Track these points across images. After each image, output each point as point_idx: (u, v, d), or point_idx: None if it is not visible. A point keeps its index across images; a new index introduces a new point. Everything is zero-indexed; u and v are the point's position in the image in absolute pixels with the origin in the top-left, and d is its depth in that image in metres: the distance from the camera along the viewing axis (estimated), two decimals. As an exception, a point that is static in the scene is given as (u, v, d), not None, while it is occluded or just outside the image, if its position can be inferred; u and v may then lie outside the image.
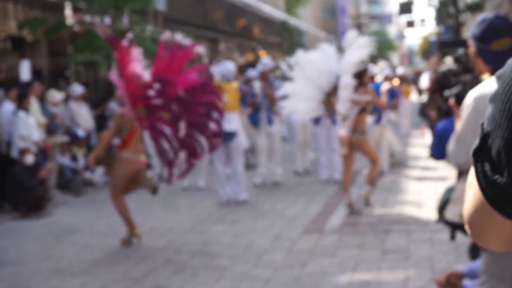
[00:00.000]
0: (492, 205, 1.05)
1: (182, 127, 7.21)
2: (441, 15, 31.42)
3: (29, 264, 7.07)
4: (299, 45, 41.27)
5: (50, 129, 11.51)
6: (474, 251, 4.70)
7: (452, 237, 4.24)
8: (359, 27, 66.04)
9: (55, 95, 12.16)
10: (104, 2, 14.30)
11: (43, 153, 11.10)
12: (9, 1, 15.94)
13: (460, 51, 7.21)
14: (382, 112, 11.20)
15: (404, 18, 47.87)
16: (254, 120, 11.45)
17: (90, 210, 10.20)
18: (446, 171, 11.33)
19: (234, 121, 9.71)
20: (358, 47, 8.55)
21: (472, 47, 3.28)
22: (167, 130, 7.25)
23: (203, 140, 7.40)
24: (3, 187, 10.41)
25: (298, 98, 8.95)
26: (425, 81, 16.14)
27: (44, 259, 7.22)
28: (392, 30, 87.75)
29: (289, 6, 51.68)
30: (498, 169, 1.01)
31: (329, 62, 8.93)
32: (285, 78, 13.27)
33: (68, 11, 16.45)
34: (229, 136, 9.66)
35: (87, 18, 13.50)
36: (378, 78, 12.57)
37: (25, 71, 12.16)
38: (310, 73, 8.88)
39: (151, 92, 7.25)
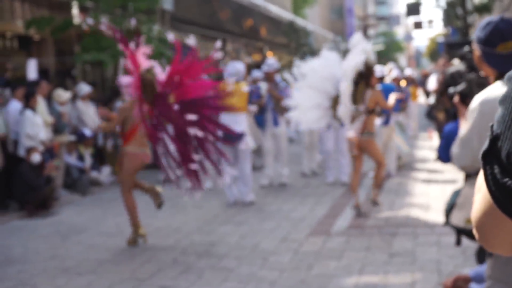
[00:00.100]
0: (501, 208, 1.03)
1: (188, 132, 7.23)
2: (449, 17, 31.34)
3: (35, 263, 7.07)
4: (306, 46, 41.34)
5: (57, 128, 11.52)
6: (481, 255, 4.68)
7: (458, 242, 4.21)
8: (366, 28, 65.98)
9: (62, 94, 12.18)
10: (111, 1, 14.32)
11: (50, 153, 11.11)
12: (17, 0, 15.98)
13: (466, 48, 7.17)
14: (390, 114, 11.18)
15: (412, 19, 47.78)
16: (259, 121, 11.43)
17: (96, 209, 10.21)
18: (453, 173, 11.29)
19: (242, 123, 9.71)
20: (359, 51, 8.52)
21: (477, 51, 3.26)
22: (167, 139, 7.28)
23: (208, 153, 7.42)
24: (10, 186, 10.44)
25: (304, 108, 8.90)
26: (432, 83, 16.10)
27: (50, 258, 7.23)
28: (399, 31, 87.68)
29: (296, 7, 51.69)
30: (508, 172, 1.00)
31: (332, 67, 8.91)
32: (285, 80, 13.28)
33: (75, 10, 16.48)
34: (237, 137, 9.65)
35: (90, 21, 13.51)
36: (387, 80, 12.54)
37: (32, 70, 12.18)
38: (314, 81, 8.85)
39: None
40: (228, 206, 9.73)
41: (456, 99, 3.79)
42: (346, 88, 8.36)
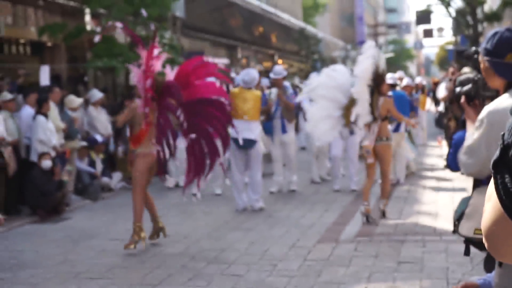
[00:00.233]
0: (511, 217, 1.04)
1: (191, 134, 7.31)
2: (459, 25, 31.31)
3: (46, 267, 7.14)
4: (317, 53, 41.36)
5: (69, 134, 11.62)
6: (490, 263, 4.70)
7: (467, 252, 4.21)
8: (377, 36, 65.94)
9: (74, 100, 12.27)
10: (123, 8, 14.42)
11: (62, 158, 11.20)
12: (30, 7, 16.12)
13: (472, 49, 7.17)
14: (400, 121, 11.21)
15: (422, 27, 47.77)
16: (268, 128, 11.45)
17: (107, 215, 10.28)
18: (462, 182, 11.30)
19: (254, 130, 9.79)
20: (369, 56, 8.56)
21: (483, 63, 3.29)
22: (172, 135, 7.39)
23: (208, 150, 7.51)
24: (22, 191, 10.53)
25: (316, 119, 8.92)
26: (442, 91, 16.11)
27: (62, 263, 7.30)
28: (409, 39, 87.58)
29: (306, 15, 51.71)
30: None
31: (342, 77, 8.92)
32: (298, 87, 13.24)
33: (87, 17, 16.61)
34: (249, 144, 9.73)
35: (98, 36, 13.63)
36: (398, 87, 12.58)
37: (44, 76, 12.29)
38: (325, 92, 8.86)
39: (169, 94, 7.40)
40: (237, 212, 9.79)
41: (462, 100, 3.81)
42: (362, 93, 8.41)
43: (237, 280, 6.39)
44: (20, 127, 10.67)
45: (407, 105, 12.47)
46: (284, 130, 11.34)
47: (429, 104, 20.61)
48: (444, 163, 13.55)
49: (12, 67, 14.59)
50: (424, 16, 39.20)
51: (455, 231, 4.33)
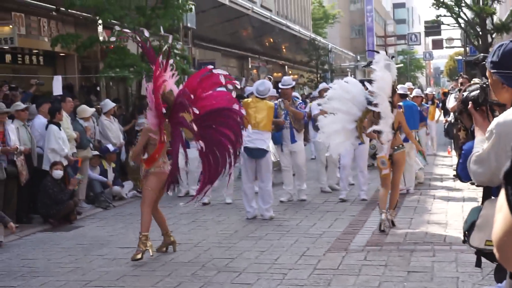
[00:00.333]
0: None
1: (201, 145, 7.37)
2: (468, 36, 31.31)
3: (57, 275, 7.21)
4: (327, 64, 41.42)
5: (81, 143, 11.71)
6: (500, 273, 4.71)
7: (479, 264, 4.22)
8: (386, 46, 65.92)
9: (86, 110, 12.37)
10: (135, 19, 14.54)
11: (74, 167, 11.30)
12: (43, 18, 16.29)
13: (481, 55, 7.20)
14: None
15: (431, 38, 47.73)
16: (277, 138, 11.50)
17: (118, 223, 10.35)
18: (472, 192, 11.30)
19: (266, 140, 9.87)
20: (383, 68, 8.58)
21: (491, 77, 3.33)
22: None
23: (221, 159, 7.58)
24: (34, 199, 10.63)
25: (331, 132, 8.92)
26: (451, 101, 16.12)
27: (73, 271, 7.36)
28: (419, 50, 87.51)
29: (316, 26, 51.77)
30: None
31: (355, 89, 8.93)
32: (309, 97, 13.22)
33: (100, 28, 16.74)
34: (260, 154, 9.79)
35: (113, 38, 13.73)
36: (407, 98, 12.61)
37: (57, 86, 12.40)
38: (340, 105, 8.84)
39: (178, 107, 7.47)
40: (248, 221, 9.83)
41: (469, 105, 3.83)
42: (386, 109, 8.48)
43: (248, 288, 6.41)
44: (33, 136, 10.77)
45: (417, 115, 12.52)
46: (293, 140, 11.39)
47: (438, 114, 20.59)
48: (453, 173, 13.56)
49: (25, 77, 14.73)
50: (433, 27, 39.17)
51: (465, 241, 4.35)
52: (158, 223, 7.97)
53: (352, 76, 43.62)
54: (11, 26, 14.31)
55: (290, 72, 42.41)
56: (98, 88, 17.60)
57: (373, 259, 7.31)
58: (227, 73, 8.04)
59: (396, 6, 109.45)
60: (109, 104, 13.31)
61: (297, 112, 11.24)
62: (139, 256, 7.51)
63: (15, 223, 9.53)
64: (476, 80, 12.26)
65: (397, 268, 6.86)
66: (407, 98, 12.26)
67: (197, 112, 7.34)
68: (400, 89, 10.96)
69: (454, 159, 16.00)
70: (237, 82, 8.24)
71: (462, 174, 4.65)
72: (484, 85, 3.79)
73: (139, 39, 8.09)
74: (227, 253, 7.90)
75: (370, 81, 8.94)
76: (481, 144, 3.43)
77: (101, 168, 12.56)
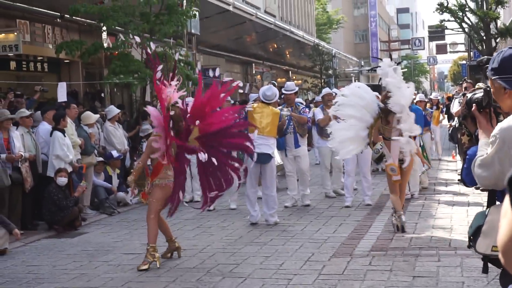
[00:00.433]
0: None
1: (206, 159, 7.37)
2: (472, 40, 31.30)
3: (62, 282, 7.22)
4: (331, 69, 41.42)
5: (85, 149, 11.73)
6: (505, 278, 4.70)
7: (485, 270, 4.21)
8: (390, 52, 65.94)
9: (90, 116, 12.40)
10: (140, 26, 14.59)
11: (79, 173, 11.32)
12: (48, 25, 16.35)
13: (485, 57, 7.19)
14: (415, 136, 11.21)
15: (435, 42, 47.72)
16: (280, 143, 11.49)
17: (123, 229, 10.37)
18: (477, 196, 11.29)
19: (271, 145, 9.88)
20: (397, 77, 8.57)
21: (493, 85, 3.34)
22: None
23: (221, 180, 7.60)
24: (39, 206, 10.65)
25: (343, 140, 8.88)
26: (455, 105, 16.12)
27: (77, 278, 7.37)
28: (423, 55, 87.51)
29: (320, 31, 51.79)
30: None
31: (368, 95, 8.89)
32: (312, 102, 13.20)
33: (104, 35, 16.80)
34: (265, 159, 9.79)
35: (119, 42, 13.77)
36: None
37: (62, 92, 12.44)
38: (354, 112, 8.80)
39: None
40: (252, 227, 9.84)
41: (473, 107, 3.84)
42: (411, 117, 8.51)
43: (253, 294, 6.41)
44: (38, 143, 10.80)
45: (422, 120, 12.51)
46: (297, 145, 11.39)
47: (441, 118, 20.59)
48: (458, 177, 13.53)
49: (30, 84, 14.78)
50: (437, 32, 39.18)
51: (470, 246, 4.34)
52: (162, 230, 7.98)
53: (356, 81, 43.64)
54: (15, 33, 14.37)
55: (294, 77, 42.46)
56: (102, 95, 17.65)
57: (378, 264, 7.30)
58: (231, 79, 8.06)
59: (400, 11, 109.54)
60: (113, 110, 13.34)
61: (300, 117, 11.25)
62: (145, 266, 7.52)
63: (20, 229, 9.54)
64: (480, 84, 12.25)
65: (402, 273, 6.85)
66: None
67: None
68: None
69: (458, 164, 15.98)
70: (240, 83, 8.22)
71: (467, 179, 4.65)
72: (488, 89, 3.80)
73: (149, 54, 8.10)
74: (232, 258, 7.90)
75: (378, 87, 8.94)
76: (484, 147, 3.43)
77: (105, 174, 12.58)
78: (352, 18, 74.75)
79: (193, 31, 20.20)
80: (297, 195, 11.66)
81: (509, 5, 30.70)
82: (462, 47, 44.04)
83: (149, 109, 7.80)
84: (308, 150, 12.24)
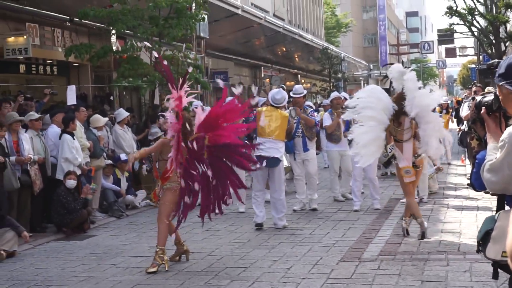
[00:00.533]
0: None
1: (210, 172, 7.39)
2: (482, 44, 31.21)
3: (71, 284, 7.24)
4: (339, 73, 41.41)
5: (94, 152, 11.77)
6: (515, 283, 4.67)
7: (496, 275, 4.19)
8: (399, 55, 65.83)
9: (99, 120, 12.44)
10: (148, 29, 14.62)
11: (87, 176, 11.35)
12: (57, 28, 16.43)
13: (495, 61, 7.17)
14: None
15: (444, 46, 47.62)
16: (289, 147, 11.48)
17: (131, 232, 10.38)
18: (486, 201, 11.25)
19: (280, 149, 9.88)
20: (413, 82, 8.55)
21: (501, 91, 3.34)
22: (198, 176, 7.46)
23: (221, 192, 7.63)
24: (48, 209, 10.68)
25: (366, 143, 8.82)
26: (465, 109, 16.07)
27: (86, 280, 7.39)
28: (432, 58, 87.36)
29: (329, 35, 51.74)
30: None
31: (385, 97, 8.83)
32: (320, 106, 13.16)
33: (113, 38, 16.86)
34: (274, 162, 9.79)
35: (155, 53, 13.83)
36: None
37: (71, 95, 12.49)
38: (374, 114, 8.73)
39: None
40: (260, 229, 9.83)
41: (482, 110, 3.82)
42: (437, 119, 8.51)
43: (261, 297, 6.40)
44: (47, 145, 10.84)
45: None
46: (305, 148, 11.38)
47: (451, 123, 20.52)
48: (467, 182, 13.49)
49: (39, 87, 14.85)
50: (446, 36, 39.09)
51: (479, 250, 4.32)
52: (169, 232, 7.98)
53: (365, 84, 43.52)
54: (25, 37, 14.45)
55: (302, 81, 42.47)
56: (111, 98, 17.70)
57: (386, 268, 7.28)
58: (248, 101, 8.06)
59: (409, 14, 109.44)
60: (123, 113, 13.37)
61: (308, 119, 11.24)
62: (154, 269, 7.54)
63: (28, 232, 9.59)
64: (490, 88, 12.22)
65: (410, 278, 6.83)
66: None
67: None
68: None
69: (468, 168, 15.92)
70: (256, 99, 8.26)
71: (476, 183, 4.63)
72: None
73: (160, 58, 8.11)
74: (240, 262, 7.90)
75: (388, 91, 8.90)
76: (493, 151, 3.42)
77: (114, 177, 12.61)
78: (361, 22, 74.70)
79: (202, 34, 20.23)
80: (305, 198, 11.65)
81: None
82: (471, 51, 43.93)
83: (167, 115, 7.77)
84: (317, 154, 12.22)
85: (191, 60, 15.26)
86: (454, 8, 29.03)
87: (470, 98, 14.52)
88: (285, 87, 18.04)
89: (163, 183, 7.84)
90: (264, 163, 9.62)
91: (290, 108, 11.38)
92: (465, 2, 29.44)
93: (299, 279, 6.98)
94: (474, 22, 29.74)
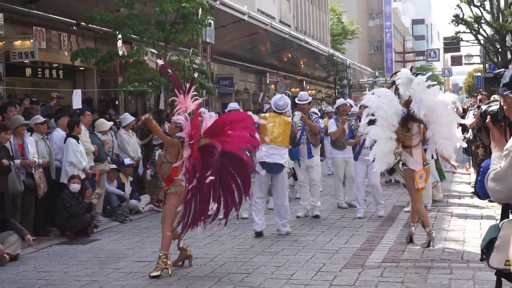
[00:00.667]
0: None
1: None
2: (488, 52, 31.17)
3: (74, 288, 7.24)
4: (345, 79, 41.40)
5: (99, 156, 11.78)
6: (518, 292, 4.66)
7: (499, 285, 4.18)
8: (405, 62, 65.82)
9: (104, 124, 12.45)
10: (154, 34, 14.66)
11: (92, 180, 11.36)
12: (64, 32, 16.48)
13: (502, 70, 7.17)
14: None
15: (450, 54, 47.60)
16: (294, 153, 11.46)
17: (135, 237, 10.39)
18: (490, 209, 11.22)
19: (283, 155, 9.85)
20: (421, 85, 8.52)
21: (505, 101, 3.34)
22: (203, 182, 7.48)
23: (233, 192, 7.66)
24: (52, 212, 10.70)
25: (382, 141, 8.76)
26: (470, 118, 16.05)
27: (89, 284, 7.39)
28: (438, 66, 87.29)
29: (335, 42, 51.73)
30: None
31: (396, 101, 8.78)
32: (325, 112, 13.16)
33: (119, 42, 16.89)
34: (277, 169, 9.78)
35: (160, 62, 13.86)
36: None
37: (76, 99, 12.51)
38: (387, 116, 8.69)
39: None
40: (263, 235, 9.82)
41: (487, 119, 3.82)
42: (448, 115, 8.48)
43: (263, 303, 6.39)
44: (51, 149, 10.86)
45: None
46: (310, 155, 11.36)
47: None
48: (472, 190, 13.45)
49: (45, 90, 14.89)
50: (452, 43, 39.06)
51: (483, 258, 4.31)
52: (173, 237, 7.99)
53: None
54: (32, 41, 14.50)
55: (308, 87, 42.48)
56: (116, 102, 17.74)
57: (389, 275, 7.27)
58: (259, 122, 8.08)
59: (415, 22, 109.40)
60: (128, 117, 13.40)
61: (313, 125, 11.22)
62: (157, 273, 7.53)
63: (32, 235, 9.60)
64: (496, 96, 12.19)
65: (413, 285, 6.81)
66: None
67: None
68: None
69: (472, 176, 15.88)
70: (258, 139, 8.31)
71: (481, 191, 4.62)
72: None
73: (166, 63, 8.15)
74: (243, 268, 7.89)
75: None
76: (497, 160, 3.42)
77: (118, 182, 12.62)
78: (367, 29, 74.73)
79: (208, 40, 20.27)
80: (309, 205, 11.63)
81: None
82: (477, 59, 43.86)
83: (178, 119, 7.76)
84: (321, 161, 12.20)
85: (197, 66, 15.28)
86: (461, 16, 28.98)
87: (475, 106, 14.49)
88: (290, 94, 18.02)
89: (167, 186, 7.85)
90: (263, 172, 9.64)
91: (295, 112, 11.36)
92: (471, 11, 29.30)
93: (302, 286, 6.97)
94: (481, 31, 29.69)
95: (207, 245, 9.42)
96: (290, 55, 35.68)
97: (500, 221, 3.87)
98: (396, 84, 8.78)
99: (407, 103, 8.57)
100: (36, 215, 10.51)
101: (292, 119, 10.97)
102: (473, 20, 29.06)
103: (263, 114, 10.46)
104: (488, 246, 4.06)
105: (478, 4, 28.52)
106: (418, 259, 8.03)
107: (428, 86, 8.55)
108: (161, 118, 13.71)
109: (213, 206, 7.58)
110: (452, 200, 13.18)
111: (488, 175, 3.45)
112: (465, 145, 11.49)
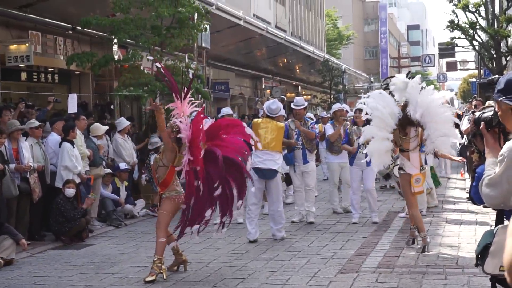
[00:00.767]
0: None
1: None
2: (482, 58, 31.25)
3: (69, 293, 7.22)
4: (340, 85, 41.43)
5: (94, 161, 11.77)
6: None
7: None
8: (400, 68, 65.94)
9: (99, 128, 12.44)
10: (150, 39, 14.65)
11: (87, 185, 11.35)
12: (59, 36, 16.46)
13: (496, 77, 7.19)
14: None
15: (445, 60, 47.70)
16: (289, 159, 11.47)
17: (130, 241, 10.37)
18: (485, 215, 11.24)
19: (277, 161, 9.84)
20: (416, 88, 8.54)
21: (500, 107, 3.36)
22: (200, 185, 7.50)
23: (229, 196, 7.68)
24: (47, 217, 10.67)
25: (377, 139, 8.77)
26: (465, 123, 16.08)
27: (84, 289, 7.38)
28: (433, 72, 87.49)
29: (330, 47, 51.78)
30: None
31: (393, 103, 8.79)
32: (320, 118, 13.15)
33: (115, 47, 16.87)
34: (271, 174, 9.78)
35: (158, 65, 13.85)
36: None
37: (72, 104, 12.50)
38: (383, 117, 8.70)
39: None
40: (258, 241, 9.81)
41: (481, 126, 3.84)
42: (444, 113, 8.49)
43: (258, 309, 6.39)
44: (47, 153, 10.84)
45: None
46: (305, 160, 11.36)
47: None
48: (466, 195, 13.47)
49: (41, 94, 14.85)
50: (447, 49, 39.12)
51: (478, 264, 4.31)
52: (167, 242, 7.98)
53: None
54: (27, 45, 14.47)
55: (303, 92, 42.50)
56: (112, 107, 17.71)
57: (384, 281, 7.27)
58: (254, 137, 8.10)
59: (410, 28, 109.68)
60: (124, 122, 13.39)
61: (308, 132, 11.23)
62: (152, 278, 7.53)
63: (27, 240, 9.58)
64: (490, 102, 12.22)
65: (408, 291, 6.81)
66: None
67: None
68: None
69: (467, 182, 15.91)
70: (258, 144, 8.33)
71: (475, 197, 4.63)
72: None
73: (165, 73, 8.14)
74: (238, 273, 7.89)
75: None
76: (492, 166, 3.43)
77: (113, 186, 12.60)
78: (362, 34, 74.88)
79: (203, 44, 20.26)
80: (304, 210, 11.63)
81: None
82: (472, 65, 43.96)
83: (178, 123, 7.76)
84: (316, 166, 12.20)
85: (193, 70, 15.27)
86: (456, 22, 29.07)
87: (470, 112, 14.52)
88: (285, 99, 18.03)
89: (162, 190, 7.86)
90: (256, 177, 9.63)
91: (289, 120, 11.39)
92: (466, 16, 29.36)
93: (297, 291, 6.96)
94: (476, 36, 29.77)
95: (202, 250, 9.41)
96: (285, 60, 35.70)
97: (494, 227, 3.87)
98: (391, 90, 8.78)
99: (403, 108, 8.59)
100: (31, 220, 10.49)
101: (289, 125, 11.01)
102: (468, 26, 29.14)
103: (255, 120, 10.47)
104: (483, 252, 4.06)
105: (473, 10, 28.61)
106: (413, 264, 8.04)
107: (422, 88, 8.59)
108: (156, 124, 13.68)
109: (209, 211, 7.60)
110: (447, 205, 13.19)
111: (482, 181, 3.47)
112: (462, 141, 11.50)
